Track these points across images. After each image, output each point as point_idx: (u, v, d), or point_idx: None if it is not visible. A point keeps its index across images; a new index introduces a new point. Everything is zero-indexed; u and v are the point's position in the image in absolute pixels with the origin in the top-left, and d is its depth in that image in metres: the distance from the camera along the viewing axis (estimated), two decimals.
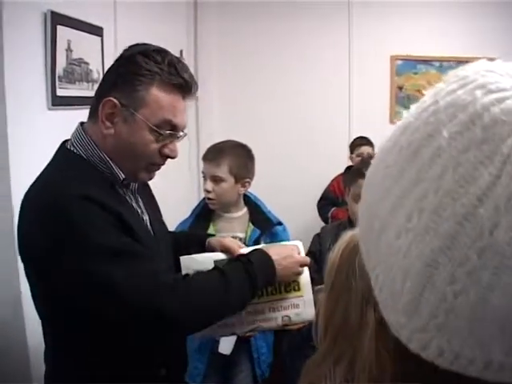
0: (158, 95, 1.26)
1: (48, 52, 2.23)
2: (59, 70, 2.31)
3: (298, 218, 4.28)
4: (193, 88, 1.32)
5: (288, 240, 2.18)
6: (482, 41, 4.55)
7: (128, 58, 1.29)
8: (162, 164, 1.36)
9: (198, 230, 2.09)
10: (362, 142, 4.18)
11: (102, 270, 1.16)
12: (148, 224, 1.42)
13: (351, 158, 4.19)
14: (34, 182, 1.29)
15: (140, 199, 1.43)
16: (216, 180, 2.09)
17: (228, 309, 1.35)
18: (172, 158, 1.35)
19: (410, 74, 4.72)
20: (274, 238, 2.12)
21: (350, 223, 2.07)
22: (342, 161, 4.71)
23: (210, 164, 2.08)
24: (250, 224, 2.13)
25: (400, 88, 4.74)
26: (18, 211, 1.27)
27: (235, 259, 1.42)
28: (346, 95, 4.70)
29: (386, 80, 4.72)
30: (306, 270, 1.55)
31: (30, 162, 2.14)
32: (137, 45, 1.32)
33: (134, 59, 1.27)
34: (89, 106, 2.52)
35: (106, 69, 2.66)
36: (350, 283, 0.94)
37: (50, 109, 2.30)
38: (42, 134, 2.23)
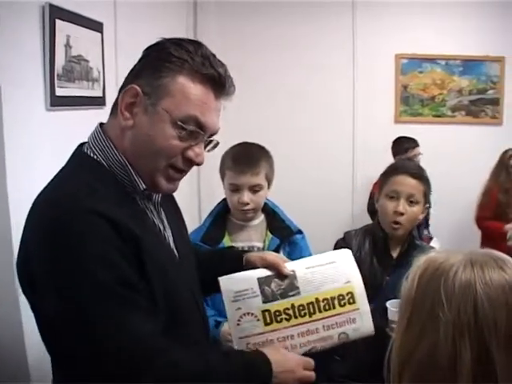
0: (185, 85, 1.10)
1: (46, 48, 2.06)
2: (58, 67, 2.14)
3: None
4: (227, 84, 1.15)
5: (307, 248, 2.04)
6: (488, 40, 4.49)
7: (157, 46, 1.15)
8: (184, 170, 1.18)
9: (212, 239, 1.94)
10: (412, 144, 4.13)
11: (85, 309, 1.00)
12: (171, 241, 1.26)
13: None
14: (44, 189, 1.13)
15: (163, 213, 1.27)
16: (255, 189, 1.93)
17: None
18: (197, 164, 1.17)
19: (415, 72, 4.61)
20: (294, 247, 1.99)
21: (379, 225, 1.92)
22: (346, 160, 4.61)
23: (247, 174, 1.91)
24: (268, 232, 1.98)
25: (405, 87, 4.63)
26: (25, 221, 1.11)
27: (236, 356, 1.22)
28: (350, 94, 4.59)
29: (391, 79, 4.61)
30: (359, 278, 1.40)
31: (27, 166, 1.99)
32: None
33: (163, 46, 1.13)
34: (89, 107, 2.42)
35: (106, 66, 2.59)
36: (436, 314, 0.80)
37: (48, 109, 2.13)
38: (41, 137, 2.08)
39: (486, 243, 3.95)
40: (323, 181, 4.58)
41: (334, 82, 4.57)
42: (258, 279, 1.36)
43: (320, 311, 1.36)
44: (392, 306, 1.75)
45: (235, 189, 1.94)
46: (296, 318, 1.35)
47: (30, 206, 1.14)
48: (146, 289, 1.08)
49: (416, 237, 1.96)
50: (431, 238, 3.97)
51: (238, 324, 1.34)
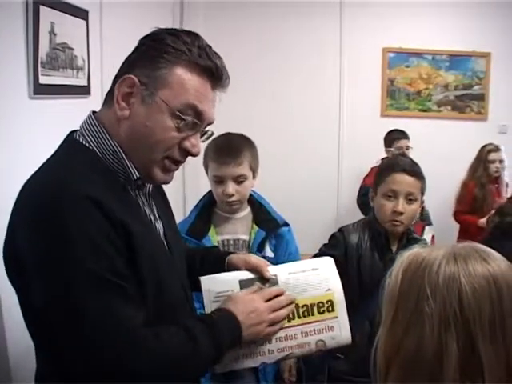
0: (183, 76, 1.10)
1: (30, 35, 2.02)
2: (42, 55, 2.10)
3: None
4: (223, 76, 1.15)
5: (293, 241, 2.04)
6: (474, 35, 4.51)
7: (153, 36, 1.14)
8: (181, 161, 1.17)
9: (198, 231, 1.92)
10: (399, 135, 4.13)
11: (74, 297, 0.99)
12: (161, 233, 1.25)
13: (388, 152, 4.09)
14: (33, 175, 1.11)
15: (154, 205, 1.26)
16: (239, 180, 1.92)
17: (188, 375, 1.14)
18: (193, 155, 1.16)
19: (401, 66, 4.62)
20: (280, 239, 1.98)
21: (377, 221, 1.92)
22: (332, 154, 4.61)
23: (230, 165, 1.89)
24: (254, 225, 1.97)
25: (391, 81, 4.64)
26: (12, 205, 1.09)
27: (199, 321, 1.19)
28: (337, 88, 4.59)
29: (378, 73, 4.62)
30: (340, 287, 1.39)
31: (10, 155, 1.95)
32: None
33: (160, 36, 1.13)
34: (73, 96, 2.39)
35: (91, 55, 2.55)
36: (421, 308, 0.81)
37: (31, 98, 2.09)
38: (24, 125, 2.03)
39: (462, 237, 4.01)
40: (309, 175, 4.58)
41: (321, 75, 4.56)
42: (240, 281, 1.35)
43: (299, 317, 1.36)
44: None
45: (219, 180, 1.92)
46: None
47: (12, 193, 1.12)
48: (133, 277, 1.07)
49: (414, 231, 1.96)
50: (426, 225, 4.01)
51: None
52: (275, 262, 1.96)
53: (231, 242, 1.96)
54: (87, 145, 1.12)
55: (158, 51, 1.10)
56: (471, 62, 4.57)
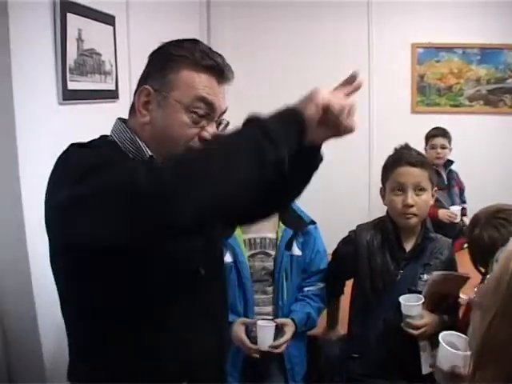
0: (189, 76, 1.23)
1: (58, 42, 2.07)
2: (70, 61, 2.15)
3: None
4: (225, 71, 1.26)
5: (320, 239, 2.03)
6: (505, 28, 4.38)
7: (159, 49, 1.29)
8: None
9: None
10: (436, 132, 3.99)
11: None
12: None
13: (425, 150, 3.97)
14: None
15: None
16: None
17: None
18: None
19: (431, 62, 4.54)
20: (308, 237, 1.98)
21: (390, 218, 1.90)
22: (362, 151, 4.57)
23: None
24: (281, 224, 1.96)
25: (421, 77, 4.56)
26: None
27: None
28: (366, 85, 4.51)
29: (407, 69, 4.55)
30: None
31: (40, 161, 1.99)
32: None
33: (164, 49, 1.28)
34: (102, 100, 2.43)
35: (118, 60, 2.59)
36: None
37: (60, 103, 2.14)
38: (54, 132, 2.08)
39: None
40: (340, 174, 4.53)
41: (350, 71, 4.51)
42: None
43: None
44: (405, 300, 1.72)
45: None
46: None
47: (42, 198, 1.16)
48: None
49: (430, 229, 1.93)
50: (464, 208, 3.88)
51: None
52: (303, 260, 1.97)
53: (258, 240, 1.96)
54: (111, 138, 1.28)
55: (165, 60, 1.24)
56: (503, 55, 4.46)
